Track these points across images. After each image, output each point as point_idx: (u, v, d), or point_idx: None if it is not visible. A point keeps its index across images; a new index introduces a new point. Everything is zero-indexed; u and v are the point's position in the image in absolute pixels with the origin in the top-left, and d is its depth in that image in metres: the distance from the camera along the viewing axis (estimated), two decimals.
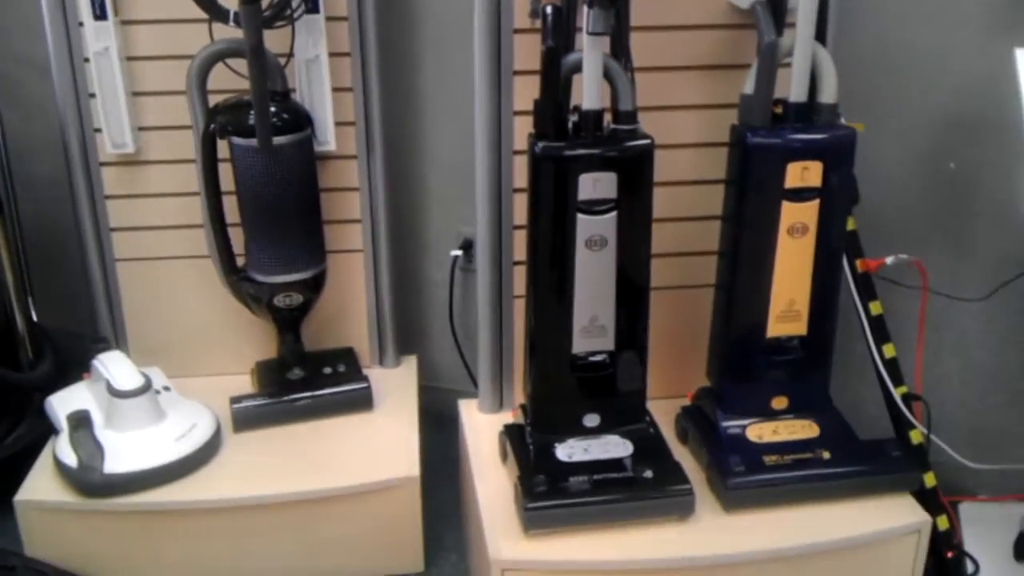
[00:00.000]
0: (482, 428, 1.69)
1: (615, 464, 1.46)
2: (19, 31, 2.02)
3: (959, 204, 1.72)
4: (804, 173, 1.44)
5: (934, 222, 1.75)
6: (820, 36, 1.47)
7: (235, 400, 1.69)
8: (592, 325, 1.45)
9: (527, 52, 1.51)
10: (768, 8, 1.46)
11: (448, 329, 2.00)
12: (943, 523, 1.62)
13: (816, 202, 1.45)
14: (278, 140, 1.54)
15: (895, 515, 1.45)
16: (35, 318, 1.89)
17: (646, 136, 1.40)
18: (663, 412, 1.64)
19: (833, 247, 1.49)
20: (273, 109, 1.54)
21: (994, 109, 1.59)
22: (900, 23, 1.70)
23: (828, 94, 1.45)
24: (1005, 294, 1.71)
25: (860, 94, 1.62)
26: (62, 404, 1.61)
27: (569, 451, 1.47)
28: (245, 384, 1.78)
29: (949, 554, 1.58)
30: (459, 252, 1.93)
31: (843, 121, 1.49)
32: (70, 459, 1.51)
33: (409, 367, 1.91)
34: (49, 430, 1.66)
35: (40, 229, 2.03)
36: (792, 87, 1.45)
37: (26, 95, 2.03)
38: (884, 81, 1.72)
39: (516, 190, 1.59)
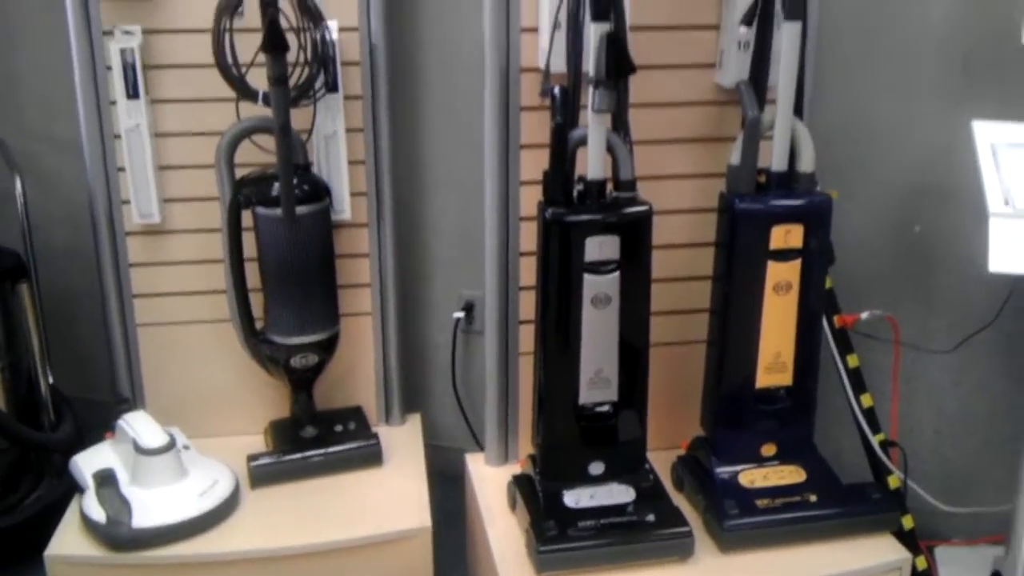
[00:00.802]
0: (489, 480, 1.78)
1: (619, 509, 1.55)
2: (36, 109, 2.13)
3: (926, 263, 1.87)
4: (787, 236, 1.58)
5: (904, 280, 1.90)
6: (798, 111, 1.62)
7: (252, 458, 1.76)
8: (597, 377, 1.55)
9: (532, 128, 1.65)
10: (751, 86, 1.62)
11: (450, 388, 2.09)
12: (921, 563, 1.73)
13: (798, 262, 1.59)
14: (300, 210, 1.65)
15: (878, 553, 1.56)
16: (52, 381, 1.96)
17: (645, 203, 1.54)
18: (660, 461, 1.74)
19: (814, 303, 1.63)
20: (296, 181, 1.65)
21: (953, 176, 1.75)
22: (868, 99, 1.88)
23: (806, 164, 1.60)
24: (971, 346, 1.85)
25: (834, 164, 1.77)
26: (87, 463, 1.68)
27: (576, 498, 1.57)
28: (259, 443, 1.86)
29: None
30: (461, 314, 2.04)
31: (820, 188, 1.65)
32: (98, 515, 1.57)
33: (414, 424, 2.00)
34: (68, 490, 1.72)
35: (54, 297, 2.10)
36: (774, 158, 1.60)
37: (43, 169, 2.13)
38: (855, 152, 1.88)
39: (522, 254, 1.71)
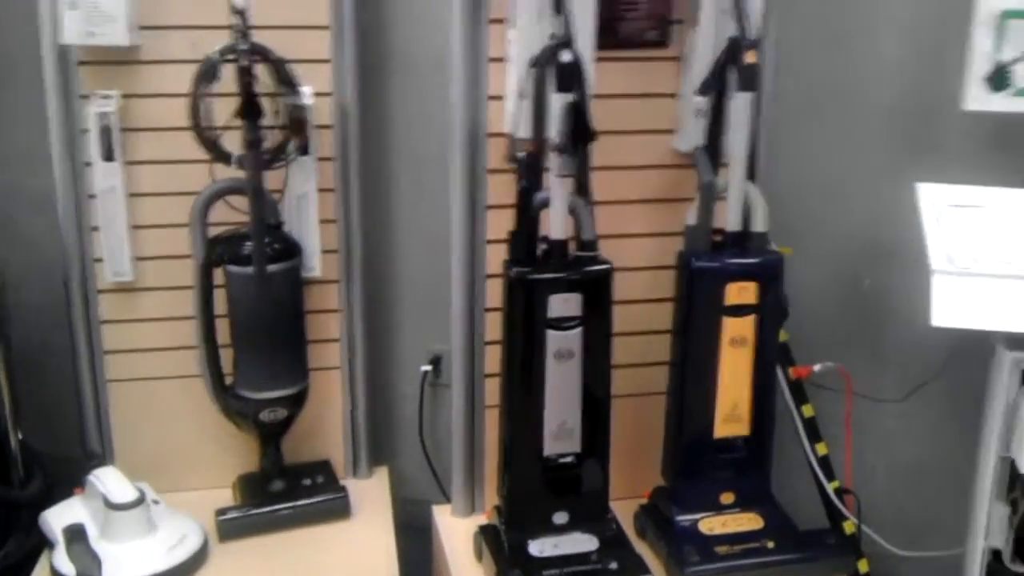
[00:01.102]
0: (455, 531, 1.81)
1: (583, 558, 1.60)
2: (12, 166, 2.16)
3: (876, 317, 1.96)
4: (741, 292, 1.66)
5: (855, 333, 1.98)
6: (751, 175, 1.71)
7: (220, 512, 1.77)
8: (561, 429, 1.61)
9: (498, 189, 1.72)
10: (706, 152, 1.71)
11: (418, 441, 2.13)
12: None
13: (752, 317, 1.66)
14: (271, 268, 1.70)
15: None
16: (21, 437, 1.97)
17: (606, 261, 1.61)
18: (623, 510, 1.78)
19: (769, 355, 1.70)
20: (267, 240, 1.70)
21: (898, 234, 1.82)
22: (820, 163, 1.98)
23: (759, 224, 1.69)
24: (921, 396, 1.93)
25: (789, 223, 1.86)
26: (57, 518, 1.69)
27: (541, 547, 1.61)
28: (228, 497, 1.87)
29: None
30: (428, 368, 2.08)
31: (773, 246, 1.73)
32: (68, 570, 1.58)
33: (381, 478, 2.02)
34: (38, 546, 1.73)
35: (25, 352, 2.11)
36: (728, 219, 1.68)
37: (13, 226, 2.15)
38: (808, 212, 1.98)
39: (488, 310, 1.77)
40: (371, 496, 1.93)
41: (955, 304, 1.52)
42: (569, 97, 1.52)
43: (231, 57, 1.61)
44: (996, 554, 1.65)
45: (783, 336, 1.83)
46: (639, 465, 1.83)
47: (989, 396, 1.61)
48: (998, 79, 1.69)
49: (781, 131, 1.90)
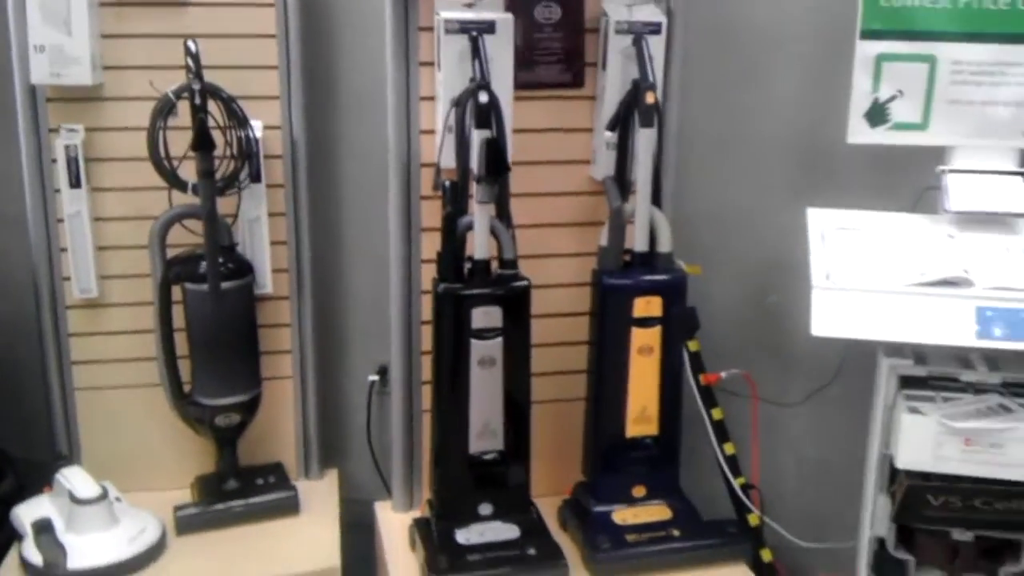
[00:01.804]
0: (395, 524, 1.98)
1: (505, 545, 1.77)
2: None
3: (778, 328, 2.14)
4: (648, 305, 1.84)
5: (760, 343, 2.18)
6: (656, 201, 1.89)
7: (178, 508, 1.93)
8: (485, 429, 1.78)
9: (431, 214, 1.90)
10: (615, 180, 1.91)
11: (365, 445, 2.29)
12: None
13: (658, 328, 1.85)
14: (225, 285, 1.86)
15: None
16: None
17: (525, 278, 1.79)
18: (550, 506, 1.97)
19: (674, 362, 1.89)
20: (221, 260, 1.86)
21: (797, 254, 1.97)
22: (726, 189, 2.19)
23: (664, 245, 1.88)
24: (821, 400, 2.12)
25: (700, 244, 2.07)
26: (26, 513, 1.84)
27: (467, 536, 1.78)
28: (186, 496, 2.02)
29: None
30: (376, 377, 2.25)
31: (681, 264, 1.91)
32: (36, 559, 1.74)
33: (331, 479, 2.18)
34: (8, 539, 1.87)
35: None
36: (636, 240, 1.87)
37: None
38: (717, 233, 2.18)
39: (423, 323, 1.95)
40: (320, 496, 2.09)
41: (833, 316, 1.71)
42: (486, 133, 1.71)
43: (186, 95, 1.79)
44: (882, 542, 1.84)
45: (695, 346, 2.02)
46: (563, 464, 2.00)
47: (872, 399, 1.81)
48: (876, 115, 1.89)
49: (693, 164, 2.12)
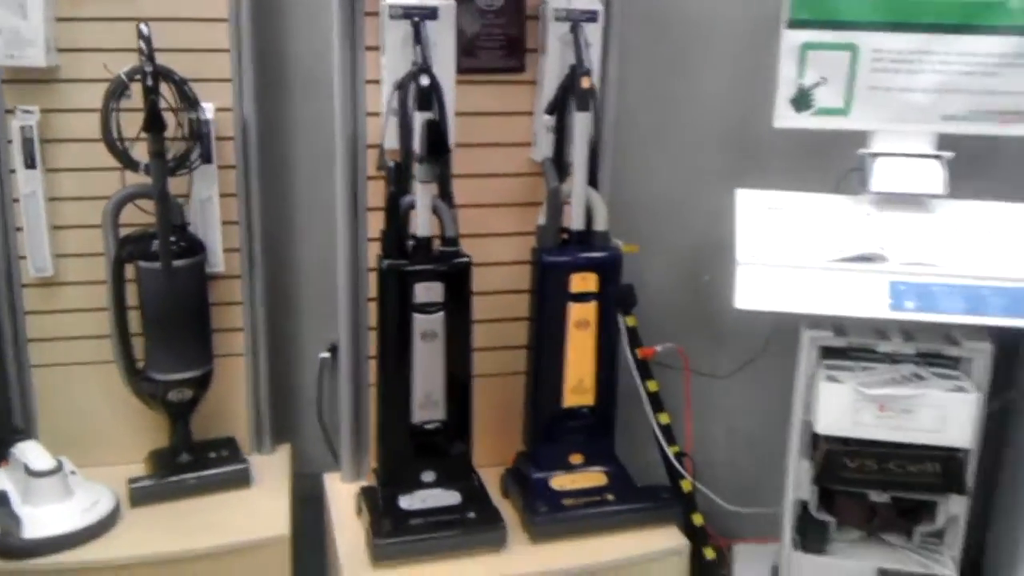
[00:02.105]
0: (343, 494, 2.05)
1: (447, 510, 1.85)
2: None
3: (712, 304, 2.23)
4: (584, 282, 1.93)
5: (696, 319, 2.27)
6: (593, 182, 1.98)
7: (132, 480, 1.99)
8: (428, 400, 1.86)
9: (376, 194, 1.97)
10: (553, 162, 1.99)
11: (317, 421, 2.35)
12: (710, 554, 2.06)
13: (594, 303, 1.93)
14: (177, 263, 1.92)
15: (661, 541, 1.90)
16: None
17: (465, 255, 1.87)
18: (493, 475, 2.05)
19: (611, 336, 1.98)
20: (173, 239, 1.92)
21: (730, 233, 2.06)
22: (662, 172, 2.28)
23: (600, 224, 1.97)
24: (752, 371, 2.21)
25: (638, 224, 2.16)
26: None
27: (411, 501, 1.86)
28: (141, 470, 2.07)
29: None
30: (327, 354, 2.31)
31: (617, 243, 2.00)
32: None
33: (283, 453, 2.24)
34: None
35: None
36: (573, 219, 1.96)
37: None
38: (654, 214, 2.27)
39: (370, 299, 2.02)
40: (272, 469, 2.15)
41: (756, 291, 1.80)
42: (428, 115, 1.79)
43: (138, 77, 1.84)
44: (805, 505, 1.94)
45: (632, 322, 2.11)
46: (506, 436, 2.09)
47: (796, 369, 1.91)
48: (801, 101, 1.98)
49: (630, 148, 2.20)
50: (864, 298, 1.78)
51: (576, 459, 1.98)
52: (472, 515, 1.83)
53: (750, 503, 2.16)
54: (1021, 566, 2.06)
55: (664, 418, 2.11)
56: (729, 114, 2.23)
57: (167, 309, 1.96)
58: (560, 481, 1.95)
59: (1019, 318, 1.74)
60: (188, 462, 2.05)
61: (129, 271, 1.96)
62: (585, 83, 1.90)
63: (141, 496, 1.98)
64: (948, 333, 1.85)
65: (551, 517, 1.87)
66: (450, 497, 1.87)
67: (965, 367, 1.82)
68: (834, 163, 2.02)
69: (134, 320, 1.99)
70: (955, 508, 1.85)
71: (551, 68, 1.97)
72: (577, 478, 1.96)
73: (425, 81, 1.77)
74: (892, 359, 1.86)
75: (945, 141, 1.93)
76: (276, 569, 1.92)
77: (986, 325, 1.78)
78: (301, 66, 2.17)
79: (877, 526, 1.89)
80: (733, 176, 2.09)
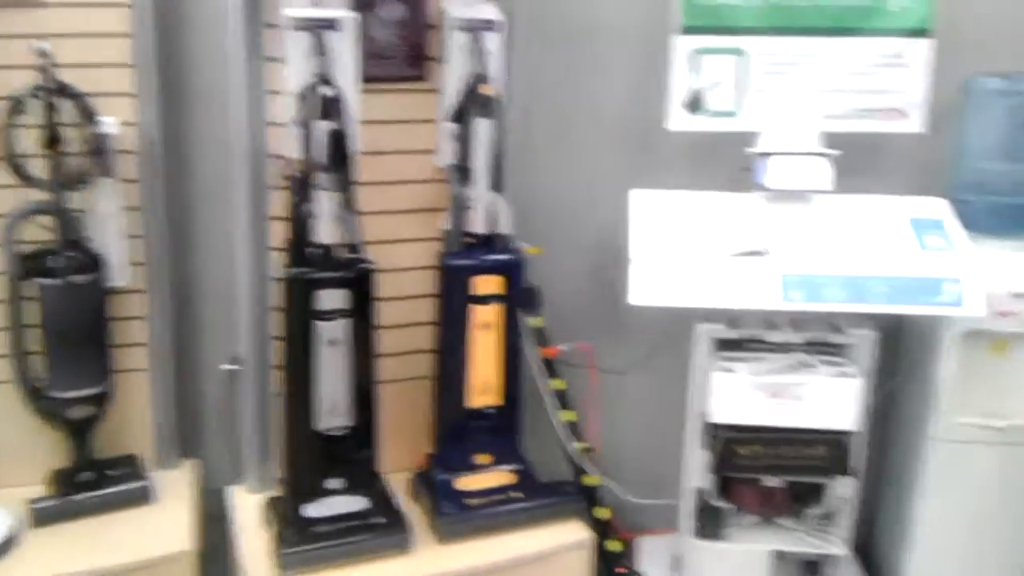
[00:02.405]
0: (249, 505, 2.04)
1: (353, 516, 1.86)
2: None
3: (617, 303, 2.26)
4: (488, 284, 1.97)
5: (602, 317, 2.31)
6: (497, 187, 2.02)
7: (33, 501, 1.94)
8: (333, 407, 1.87)
9: (279, 203, 1.97)
10: (457, 168, 2.02)
11: (224, 435, 2.31)
12: (616, 546, 2.11)
13: (498, 305, 1.97)
14: (76, 279, 1.89)
15: (566, 536, 1.94)
16: None
17: (369, 262, 1.88)
18: (404, 480, 2.07)
19: (516, 338, 2.02)
20: (72, 254, 1.89)
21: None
22: (568, 177, 2.32)
23: (504, 227, 2.01)
24: (655, 366, 2.28)
25: (541, 226, 2.20)
26: None
27: (316, 509, 1.86)
28: (43, 491, 2.03)
29: (621, 570, 2.08)
30: (230, 366, 2.28)
31: (521, 246, 2.04)
32: None
33: (187, 469, 2.20)
34: None
35: None
36: (477, 223, 2.00)
37: None
38: (557, 216, 2.31)
39: (274, 309, 2.02)
40: (176, 485, 2.11)
41: (650, 286, 1.86)
42: (330, 124, 1.80)
43: (38, 94, 1.82)
44: (704, 494, 2.00)
45: (537, 323, 2.15)
46: (416, 440, 2.11)
47: (691, 362, 1.97)
48: (694, 104, 2.06)
49: (536, 152, 2.26)
50: (755, 291, 1.85)
51: (483, 459, 2.01)
52: (378, 520, 1.84)
53: (656, 496, 2.23)
54: (908, 544, 2.17)
55: (570, 415, 2.15)
56: (628, 117, 2.29)
57: (66, 325, 1.93)
58: (466, 482, 1.98)
59: (898, 305, 1.84)
60: (89, 480, 2.01)
61: (29, 288, 1.93)
62: (486, 90, 1.94)
63: (43, 517, 1.93)
64: (834, 322, 1.94)
65: (456, 517, 1.89)
66: (357, 503, 1.88)
67: (850, 354, 1.91)
68: (726, 162, 2.09)
69: (34, 338, 1.96)
70: (844, 490, 1.94)
71: (453, 76, 2.01)
72: (484, 478, 1.99)
73: (327, 91, 1.79)
74: (782, 349, 1.94)
75: (831, 139, 2.03)
76: None
77: (869, 313, 1.88)
78: (204, 79, 2.16)
79: (771, 510, 1.96)
80: (633, 177, 2.15)
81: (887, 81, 2.05)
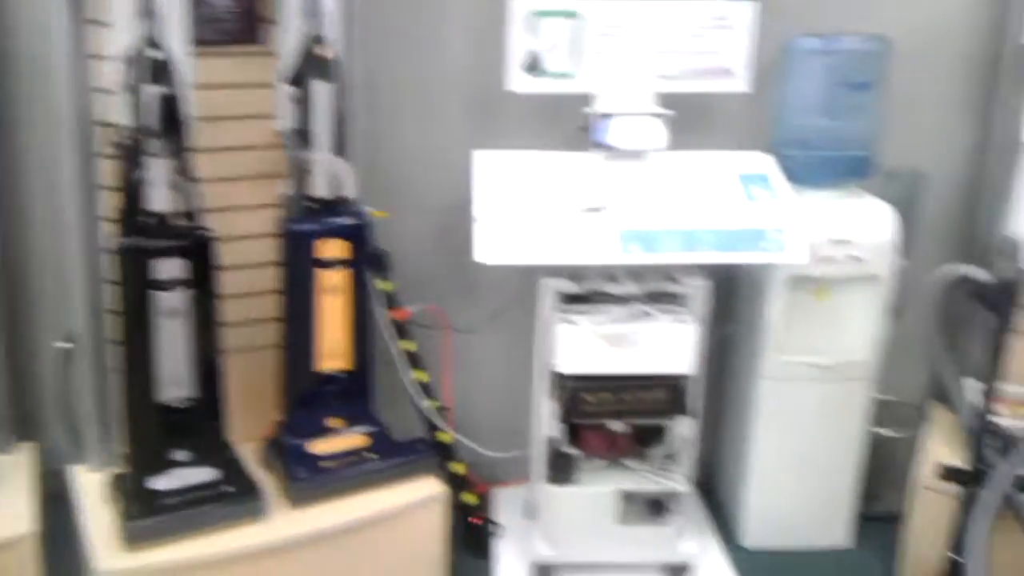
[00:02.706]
0: (93, 484, 1.97)
1: (203, 487, 1.83)
2: None
3: (464, 264, 2.29)
4: (333, 248, 1.96)
5: (453, 278, 2.34)
6: (340, 150, 2.00)
7: None
8: (174, 379, 1.82)
9: (110, 172, 1.89)
10: (298, 132, 1.97)
11: (63, 415, 2.21)
12: (471, 499, 2.16)
13: (345, 270, 1.97)
14: None
15: (420, 492, 1.98)
16: None
17: (208, 230, 1.84)
18: (256, 449, 2.04)
19: (364, 301, 2.02)
20: None
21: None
22: (416, 140, 2.32)
23: (348, 191, 2.00)
24: (506, 323, 2.32)
25: (390, 189, 2.20)
26: None
27: (163, 482, 1.82)
28: None
29: (476, 520, 2.14)
30: (65, 343, 2.18)
31: (367, 209, 2.04)
32: None
33: (24, 452, 2.10)
34: None
35: None
36: (319, 187, 1.98)
37: None
38: (406, 178, 2.30)
39: (110, 281, 1.94)
40: (15, 469, 2.03)
41: (495, 245, 1.90)
42: (160, 89, 1.74)
43: None
44: (554, 442, 2.07)
45: (388, 286, 2.15)
46: (266, 408, 2.07)
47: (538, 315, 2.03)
48: (533, 66, 2.10)
49: (381, 115, 2.24)
50: (595, 246, 1.91)
51: (335, 423, 2.01)
52: (229, 489, 1.82)
53: (511, 448, 2.29)
54: (744, 478, 2.32)
55: (423, 376, 2.18)
56: (472, 79, 2.30)
57: None
58: (319, 446, 1.97)
59: (727, 254, 1.94)
60: None
61: None
62: (324, 52, 1.92)
63: None
64: (671, 273, 2.02)
65: (309, 481, 1.90)
66: (206, 474, 1.84)
67: (687, 302, 2.01)
68: (568, 123, 2.13)
69: None
70: (684, 430, 2.04)
71: (289, 38, 1.96)
72: (337, 441, 1.99)
73: (155, 54, 1.72)
74: (623, 300, 2.01)
75: (665, 99, 2.09)
76: (22, 570, 1.83)
77: (702, 263, 1.97)
78: (24, 43, 2.05)
79: (617, 453, 2.05)
80: (478, 138, 2.18)
81: (714, 43, 2.14)
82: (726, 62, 2.15)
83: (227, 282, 1.92)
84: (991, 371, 1.95)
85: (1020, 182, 2.15)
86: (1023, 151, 2.14)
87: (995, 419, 2.01)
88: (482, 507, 2.26)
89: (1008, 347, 1.92)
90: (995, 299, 1.93)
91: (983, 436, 1.99)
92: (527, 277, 2.09)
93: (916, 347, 2.17)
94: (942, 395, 2.24)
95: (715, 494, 2.50)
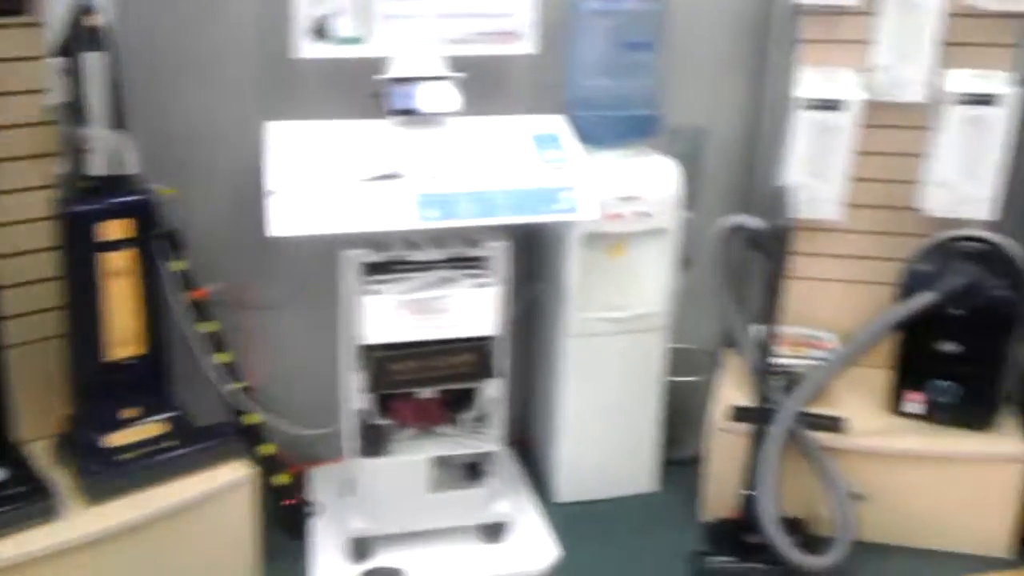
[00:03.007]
0: None
1: None
2: None
3: (263, 238, 2.20)
4: (116, 229, 1.85)
5: (250, 254, 2.24)
6: (119, 125, 1.88)
7: None
8: None
9: None
10: (71, 107, 1.84)
11: None
12: (283, 479, 2.13)
13: (131, 251, 1.87)
14: None
15: (225, 476, 1.92)
16: None
17: None
18: (47, 446, 1.93)
19: (156, 283, 1.93)
20: None
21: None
22: (203, 113, 2.22)
23: (130, 168, 1.89)
24: (312, 299, 2.26)
25: (179, 166, 2.10)
26: None
27: None
28: None
29: (289, 502, 2.11)
30: None
31: (152, 187, 1.93)
32: None
33: None
34: None
35: None
36: (98, 165, 1.86)
37: None
38: (195, 153, 2.21)
39: None
40: None
41: (289, 217, 1.85)
42: None
43: None
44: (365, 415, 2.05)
45: (180, 265, 2.06)
46: (57, 403, 1.96)
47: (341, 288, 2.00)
48: (320, 31, 2.05)
49: (165, 87, 2.14)
50: (393, 213, 1.90)
51: (130, 413, 1.91)
52: (18, 489, 1.72)
53: (325, 425, 2.25)
54: (555, 433, 2.38)
55: (225, 356, 2.10)
56: (262, 47, 2.21)
57: None
58: (114, 438, 1.88)
59: (523, 215, 1.97)
60: None
61: None
62: (93, 21, 1.80)
63: None
64: (471, 236, 2.04)
65: (104, 475, 1.81)
66: None
67: (488, 265, 2.03)
68: (361, 89, 2.09)
69: None
70: (493, 391, 2.08)
71: (57, 8, 1.83)
72: (133, 432, 1.90)
73: None
74: (426, 267, 2.01)
75: (457, 63, 2.09)
76: None
77: (501, 225, 2.00)
78: None
79: (428, 421, 2.07)
80: (269, 109, 2.11)
81: (500, 5, 2.16)
82: (512, 24, 2.18)
83: (3, 271, 1.80)
84: (770, 314, 2.09)
85: (791, 137, 2.32)
86: (793, 108, 2.31)
87: (777, 359, 2.17)
88: (296, 487, 2.22)
89: (783, 290, 2.07)
90: (769, 245, 2.06)
91: (767, 376, 2.15)
92: (328, 249, 2.06)
93: (706, 296, 2.28)
94: (732, 341, 2.38)
95: (531, 451, 2.56)
